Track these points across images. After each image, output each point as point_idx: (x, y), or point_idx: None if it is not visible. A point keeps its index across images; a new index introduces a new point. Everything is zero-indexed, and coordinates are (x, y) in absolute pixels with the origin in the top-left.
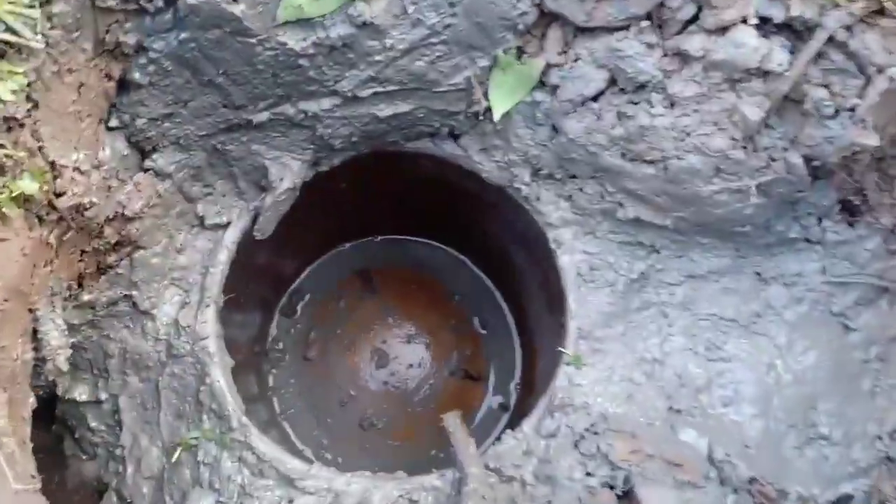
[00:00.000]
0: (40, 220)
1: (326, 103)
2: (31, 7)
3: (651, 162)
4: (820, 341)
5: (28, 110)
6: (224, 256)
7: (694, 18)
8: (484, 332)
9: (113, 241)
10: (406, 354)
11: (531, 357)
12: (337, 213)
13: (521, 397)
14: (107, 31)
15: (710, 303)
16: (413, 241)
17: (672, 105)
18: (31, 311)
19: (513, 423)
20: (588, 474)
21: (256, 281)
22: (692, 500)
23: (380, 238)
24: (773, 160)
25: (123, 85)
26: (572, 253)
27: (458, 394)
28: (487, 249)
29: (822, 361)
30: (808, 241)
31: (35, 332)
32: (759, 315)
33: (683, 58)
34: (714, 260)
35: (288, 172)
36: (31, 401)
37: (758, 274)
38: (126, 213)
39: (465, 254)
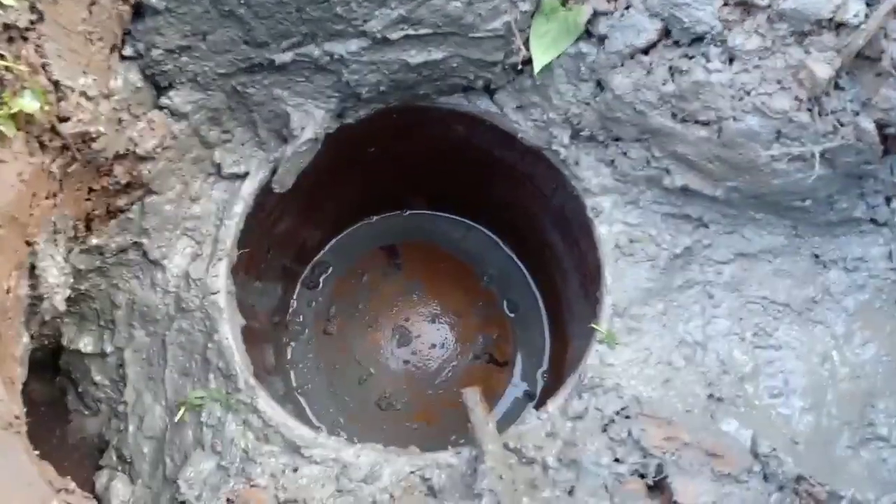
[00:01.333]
0: (42, 145)
1: (354, 45)
2: None
3: (704, 123)
4: (882, 333)
5: (32, 21)
6: (240, 209)
7: None
8: (513, 315)
9: (123, 182)
10: (429, 334)
11: (561, 345)
12: (364, 183)
13: (548, 386)
14: None
15: (760, 285)
16: (442, 217)
17: (731, 60)
18: (29, 244)
19: None
20: (616, 460)
21: (278, 248)
22: (731, 495)
23: (408, 212)
24: (842, 125)
25: (139, 11)
26: (611, 223)
27: (482, 378)
28: (521, 229)
29: (883, 355)
30: (874, 222)
31: (33, 267)
32: (814, 301)
33: (746, 7)
34: (768, 238)
35: (311, 121)
36: (25, 340)
37: (816, 256)
38: (138, 151)
39: (497, 233)
